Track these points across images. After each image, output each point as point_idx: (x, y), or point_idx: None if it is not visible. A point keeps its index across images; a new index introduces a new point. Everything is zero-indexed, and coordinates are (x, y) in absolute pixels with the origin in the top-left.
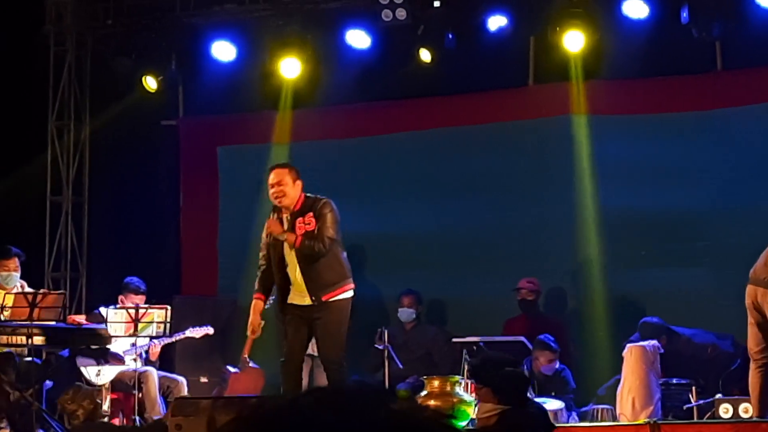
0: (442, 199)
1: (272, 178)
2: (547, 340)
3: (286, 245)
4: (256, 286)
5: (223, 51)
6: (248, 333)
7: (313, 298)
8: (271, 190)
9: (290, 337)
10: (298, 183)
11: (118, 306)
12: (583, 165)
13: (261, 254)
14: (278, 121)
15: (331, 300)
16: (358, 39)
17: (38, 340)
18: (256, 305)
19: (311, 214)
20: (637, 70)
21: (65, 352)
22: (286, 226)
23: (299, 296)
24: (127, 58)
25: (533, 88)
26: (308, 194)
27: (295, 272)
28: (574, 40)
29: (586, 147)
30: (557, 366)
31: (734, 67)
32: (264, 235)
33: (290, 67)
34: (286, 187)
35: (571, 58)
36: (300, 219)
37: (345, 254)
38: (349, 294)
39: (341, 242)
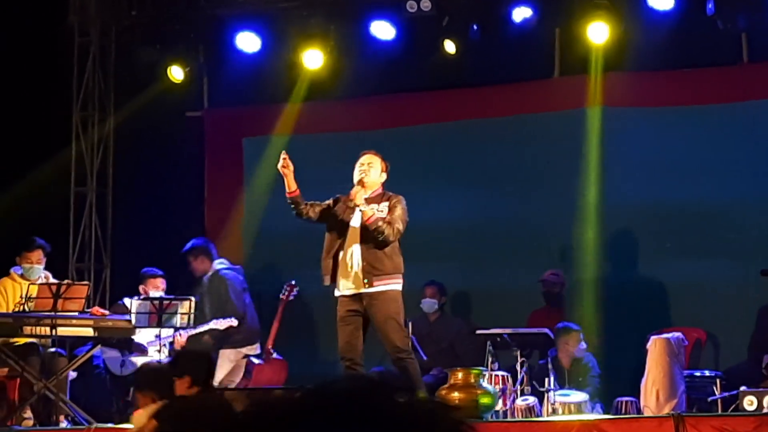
0: (467, 190)
1: (365, 158)
2: (566, 324)
3: (353, 222)
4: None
5: (248, 42)
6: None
7: (365, 282)
8: (360, 167)
9: (347, 336)
10: (384, 174)
11: (142, 297)
12: (597, 157)
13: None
14: (301, 113)
15: (382, 288)
16: (382, 30)
17: (62, 330)
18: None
19: (386, 204)
20: (663, 62)
21: (82, 350)
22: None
23: (346, 281)
24: (151, 48)
25: (558, 80)
26: (386, 191)
27: (348, 254)
28: (598, 32)
29: (597, 139)
30: (585, 345)
31: (760, 60)
32: (332, 202)
33: (313, 59)
34: (372, 169)
35: (592, 50)
36: (374, 205)
37: (400, 252)
38: (399, 286)
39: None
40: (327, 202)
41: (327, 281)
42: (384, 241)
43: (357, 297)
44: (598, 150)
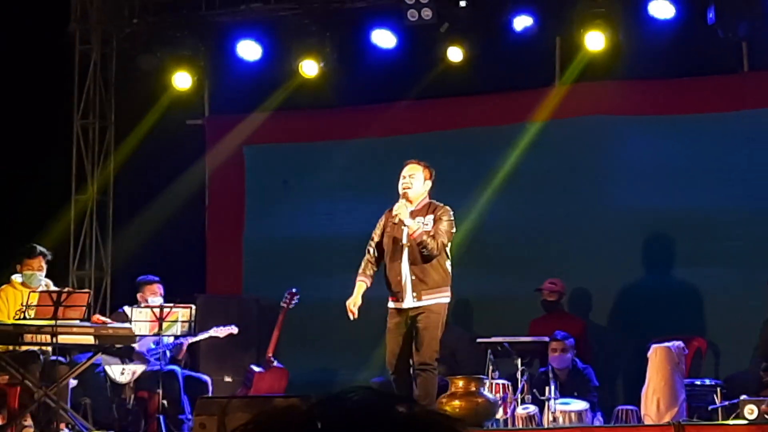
0: (467, 198)
1: (406, 170)
2: (555, 333)
3: (403, 237)
4: (360, 271)
5: (249, 50)
6: (349, 308)
7: (414, 295)
8: (402, 181)
9: (395, 348)
10: (428, 183)
11: (142, 305)
12: (600, 165)
13: (371, 242)
14: (305, 120)
15: (430, 302)
16: (383, 39)
17: (63, 338)
18: (359, 287)
19: (432, 217)
20: (664, 71)
21: (83, 357)
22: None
23: (397, 295)
24: (152, 56)
25: (559, 89)
26: (433, 200)
27: (398, 268)
28: (595, 40)
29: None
30: (569, 357)
31: (760, 68)
32: (381, 223)
33: (313, 67)
34: (415, 181)
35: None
36: (419, 218)
37: (449, 264)
38: (446, 300)
39: (448, 253)
40: (376, 233)
41: (394, 299)
42: (429, 255)
43: (405, 310)
44: (600, 158)
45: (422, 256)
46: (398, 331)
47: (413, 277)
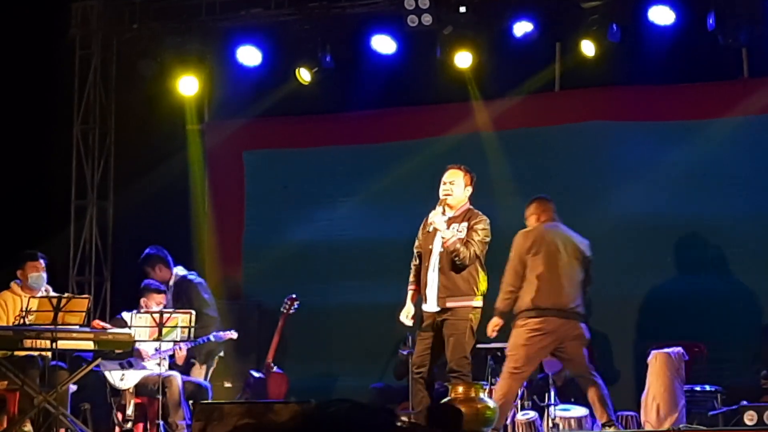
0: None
1: (447, 175)
2: None
3: (435, 244)
4: (411, 278)
5: (249, 55)
6: (402, 319)
7: (439, 301)
8: (443, 186)
9: (421, 351)
10: (469, 189)
11: (142, 310)
12: (601, 171)
13: (416, 249)
14: (305, 126)
15: (455, 306)
16: (383, 44)
17: (62, 344)
18: (412, 296)
19: (466, 225)
20: (664, 77)
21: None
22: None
23: (426, 299)
24: (152, 61)
25: (559, 94)
26: (472, 207)
27: (429, 274)
28: (589, 47)
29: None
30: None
31: (761, 74)
32: (422, 227)
33: (310, 73)
34: (455, 187)
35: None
36: (455, 225)
37: (483, 274)
38: (475, 305)
39: (483, 262)
40: (419, 237)
41: (423, 301)
42: (461, 264)
43: (433, 315)
44: (600, 164)
45: (454, 264)
46: (425, 335)
47: (440, 284)
